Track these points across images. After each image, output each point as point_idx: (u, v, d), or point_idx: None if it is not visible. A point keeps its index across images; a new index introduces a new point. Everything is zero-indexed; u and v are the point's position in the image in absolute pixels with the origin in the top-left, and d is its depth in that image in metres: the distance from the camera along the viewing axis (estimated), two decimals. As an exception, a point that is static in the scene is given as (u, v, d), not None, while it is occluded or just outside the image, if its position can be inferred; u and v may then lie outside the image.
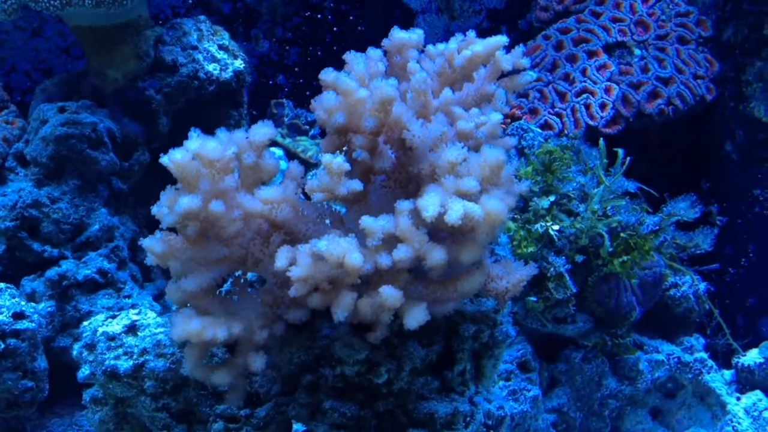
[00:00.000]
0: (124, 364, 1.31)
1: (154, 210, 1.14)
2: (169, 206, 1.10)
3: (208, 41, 2.20)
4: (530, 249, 1.83)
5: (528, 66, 1.31)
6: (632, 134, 2.60)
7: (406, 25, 1.35)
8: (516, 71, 1.32)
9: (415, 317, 1.08)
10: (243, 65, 2.28)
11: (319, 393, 1.22)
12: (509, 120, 2.41)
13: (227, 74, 2.24)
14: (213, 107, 2.27)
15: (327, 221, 1.24)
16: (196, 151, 1.11)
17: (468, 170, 1.13)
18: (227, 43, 2.26)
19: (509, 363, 2.01)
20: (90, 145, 1.94)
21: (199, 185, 1.10)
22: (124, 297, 1.93)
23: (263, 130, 1.17)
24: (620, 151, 2.07)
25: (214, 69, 2.22)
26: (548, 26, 2.83)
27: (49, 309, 1.84)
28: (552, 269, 1.89)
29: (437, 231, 1.14)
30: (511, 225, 1.84)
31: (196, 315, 1.13)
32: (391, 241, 1.09)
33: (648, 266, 2.13)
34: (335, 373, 1.20)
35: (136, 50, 2.06)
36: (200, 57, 2.17)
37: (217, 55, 2.23)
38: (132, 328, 1.36)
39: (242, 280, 1.24)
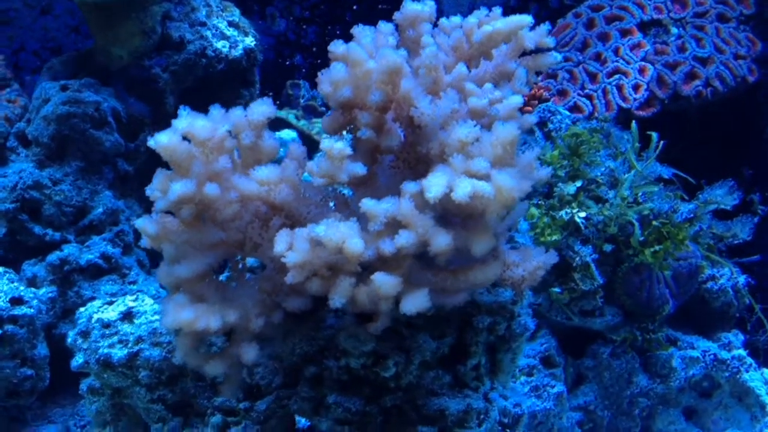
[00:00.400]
0: (119, 353, 1.29)
1: (148, 191, 1.11)
2: (161, 190, 1.08)
3: (218, 17, 2.18)
4: (554, 237, 1.80)
5: (553, 45, 1.25)
6: (668, 117, 2.57)
7: (430, 5, 1.32)
8: (540, 51, 1.28)
9: (413, 303, 1.03)
10: (254, 43, 2.26)
11: (323, 386, 1.20)
12: (536, 102, 2.37)
13: (237, 52, 2.23)
14: (222, 86, 2.25)
15: (331, 204, 1.21)
16: (185, 131, 1.08)
17: (480, 151, 1.09)
18: (237, 19, 2.23)
19: (531, 357, 1.98)
20: (93, 125, 1.93)
21: (192, 167, 1.07)
22: (129, 283, 1.91)
23: (261, 109, 1.13)
24: (654, 135, 2.03)
25: (223, 46, 2.20)
26: (579, 4, 2.79)
27: (50, 294, 1.83)
28: (578, 259, 1.85)
29: (449, 216, 1.11)
30: (534, 211, 1.81)
31: (189, 303, 1.10)
32: (395, 226, 1.06)
33: (683, 257, 2.09)
34: (340, 365, 1.18)
35: (141, 26, 2.04)
36: (209, 34, 2.15)
37: (227, 31, 2.21)
38: (128, 315, 1.34)
39: (240, 266, 1.20)
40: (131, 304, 1.36)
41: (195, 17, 2.14)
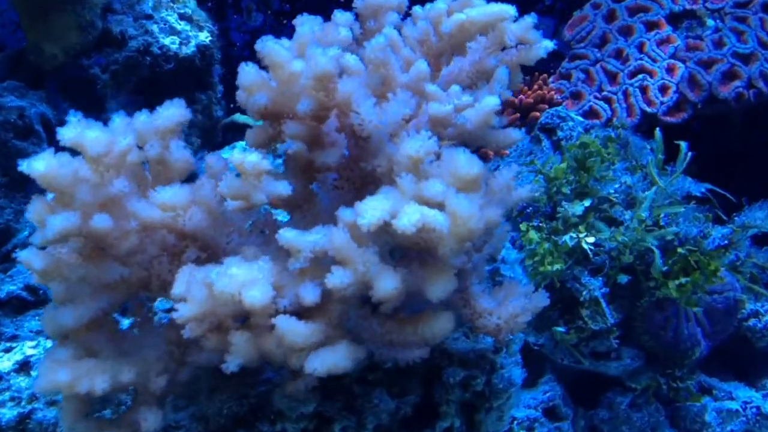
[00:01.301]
0: (8, 413, 1.19)
1: (27, 215, 1.02)
2: (38, 222, 0.99)
3: (167, 9, 2.11)
4: (557, 266, 1.72)
5: (539, 39, 1.17)
6: (701, 124, 2.52)
7: (424, -1, 1.23)
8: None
9: (323, 359, 0.94)
10: (209, 39, 2.18)
11: (255, 457, 1.14)
12: (545, 105, 2.26)
13: (189, 49, 2.15)
14: (173, 90, 2.12)
15: (264, 231, 1.14)
16: (73, 142, 0.98)
17: (439, 171, 0.99)
18: (191, 11, 2.15)
19: (533, 408, 1.93)
20: (16, 134, 1.84)
21: (76, 196, 0.98)
22: (60, 319, 1.79)
23: (169, 112, 1.06)
24: (682, 144, 1.96)
25: (172, 43, 2.12)
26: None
27: (-39, 333, 1.71)
28: (585, 292, 1.78)
29: (404, 249, 1.03)
30: (534, 235, 1.73)
31: (71, 359, 1.01)
32: (329, 263, 0.97)
33: (717, 290, 2.03)
34: (275, 431, 1.12)
35: (78, 20, 1.96)
36: (155, 28, 2.08)
37: (177, 26, 2.14)
38: (24, 366, 1.25)
39: (146, 309, 1.11)
40: (30, 351, 1.27)
41: (140, 9, 2.07)
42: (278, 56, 1.01)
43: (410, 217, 0.90)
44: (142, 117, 1.06)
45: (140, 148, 1.06)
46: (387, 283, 0.94)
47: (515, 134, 1.17)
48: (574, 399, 2.03)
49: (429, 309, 1.03)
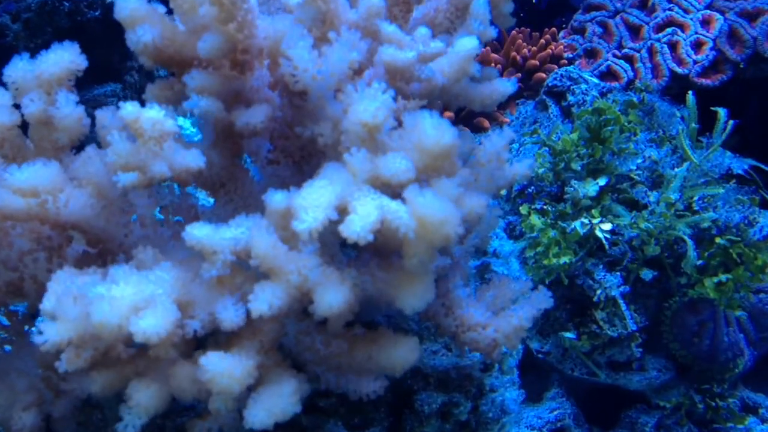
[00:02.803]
0: None
1: None
2: None
3: None
4: (564, 259, 1.62)
5: None
6: (743, 88, 2.40)
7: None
8: None
9: (269, 409, 0.82)
10: None
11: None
12: (554, 65, 2.18)
13: None
14: (102, 43, 2.06)
15: (177, 219, 1.05)
16: None
17: (401, 143, 0.87)
18: None
19: (537, 429, 1.86)
20: None
21: None
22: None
23: (57, 56, 0.98)
24: (721, 111, 1.89)
25: None
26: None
27: None
28: (600, 291, 1.69)
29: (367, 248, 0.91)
30: (536, 221, 1.66)
31: None
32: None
33: (765, 288, 1.97)
34: None
35: None
36: None
37: None
38: None
39: (20, 321, 1.02)
40: None
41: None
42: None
43: (365, 220, 0.77)
44: (19, 63, 0.97)
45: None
46: (332, 297, 0.82)
47: (504, 85, 1.05)
48: (588, 418, 1.97)
49: (384, 329, 0.91)
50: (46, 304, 0.82)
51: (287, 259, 0.81)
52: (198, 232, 0.81)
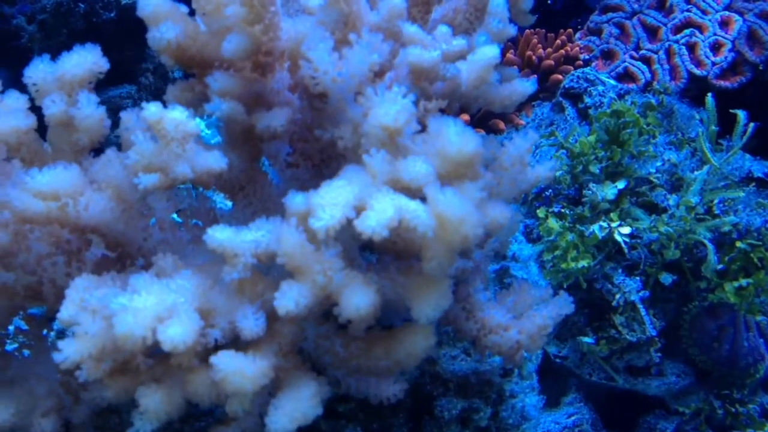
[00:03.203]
0: None
1: None
2: None
3: None
4: (583, 263, 1.60)
5: None
6: (762, 89, 2.37)
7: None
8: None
9: (291, 414, 0.81)
10: None
11: None
12: (570, 67, 2.15)
13: None
14: (116, 44, 2.07)
15: (195, 222, 1.04)
16: None
17: (424, 147, 0.85)
18: None
19: None
20: None
21: None
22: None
23: (79, 57, 0.99)
24: (741, 114, 1.87)
25: None
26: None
27: None
28: (619, 295, 1.68)
29: (384, 250, 0.91)
30: (554, 224, 1.64)
31: None
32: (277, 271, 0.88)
33: None
34: None
35: None
36: None
37: None
38: None
39: (38, 324, 1.01)
40: None
41: (72, -55, 2.00)
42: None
43: (381, 215, 0.76)
44: (40, 65, 0.97)
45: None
46: (358, 299, 0.81)
47: (523, 86, 1.03)
48: (606, 423, 1.94)
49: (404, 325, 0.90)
50: (64, 313, 0.82)
51: (314, 258, 0.80)
52: (219, 235, 0.80)
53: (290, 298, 0.79)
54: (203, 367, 0.81)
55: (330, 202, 0.76)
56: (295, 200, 0.80)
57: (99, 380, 0.81)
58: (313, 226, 0.75)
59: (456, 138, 0.80)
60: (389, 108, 0.81)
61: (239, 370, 0.78)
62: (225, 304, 0.83)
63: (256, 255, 0.81)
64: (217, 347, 0.84)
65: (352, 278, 0.81)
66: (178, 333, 0.75)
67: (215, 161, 0.85)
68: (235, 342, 0.85)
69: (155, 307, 0.76)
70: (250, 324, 0.81)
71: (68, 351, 0.78)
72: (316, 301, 0.81)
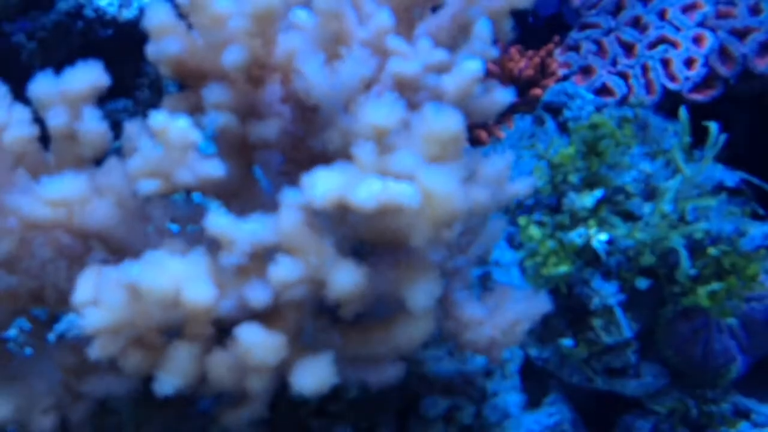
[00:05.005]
0: None
1: None
2: None
3: None
4: (563, 268, 1.61)
5: None
6: (734, 103, 2.40)
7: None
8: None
9: (312, 376, 0.86)
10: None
11: None
12: (549, 81, 2.19)
13: (130, 13, 2.08)
14: (114, 61, 2.02)
15: (190, 228, 1.08)
16: None
17: (408, 141, 0.90)
18: None
19: None
20: None
21: None
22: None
23: (83, 73, 1.01)
24: (713, 126, 1.86)
25: (110, 5, 2.05)
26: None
27: None
28: (597, 300, 1.68)
29: (370, 245, 0.94)
30: (535, 232, 1.64)
31: None
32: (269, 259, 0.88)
33: (756, 297, 1.92)
34: None
35: None
36: None
37: None
38: None
39: (41, 323, 1.05)
40: None
41: (71, -35, 2.01)
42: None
43: (370, 188, 0.79)
44: (44, 80, 0.99)
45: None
46: (344, 277, 0.84)
47: (502, 95, 1.08)
48: (587, 423, 1.92)
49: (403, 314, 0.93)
50: (80, 296, 0.85)
51: (309, 240, 0.83)
52: (220, 221, 0.84)
53: (285, 268, 0.83)
54: (221, 349, 0.85)
55: (323, 178, 0.80)
56: (290, 194, 0.85)
57: (115, 356, 0.83)
58: (312, 196, 0.79)
59: (438, 116, 0.84)
60: (380, 108, 0.85)
61: (262, 342, 0.81)
62: (232, 280, 0.87)
63: (253, 244, 0.85)
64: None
65: (341, 261, 0.85)
66: (201, 292, 0.80)
67: (214, 169, 0.89)
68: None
69: (179, 269, 0.81)
70: (258, 294, 0.84)
71: (92, 319, 0.82)
72: (309, 282, 0.84)
